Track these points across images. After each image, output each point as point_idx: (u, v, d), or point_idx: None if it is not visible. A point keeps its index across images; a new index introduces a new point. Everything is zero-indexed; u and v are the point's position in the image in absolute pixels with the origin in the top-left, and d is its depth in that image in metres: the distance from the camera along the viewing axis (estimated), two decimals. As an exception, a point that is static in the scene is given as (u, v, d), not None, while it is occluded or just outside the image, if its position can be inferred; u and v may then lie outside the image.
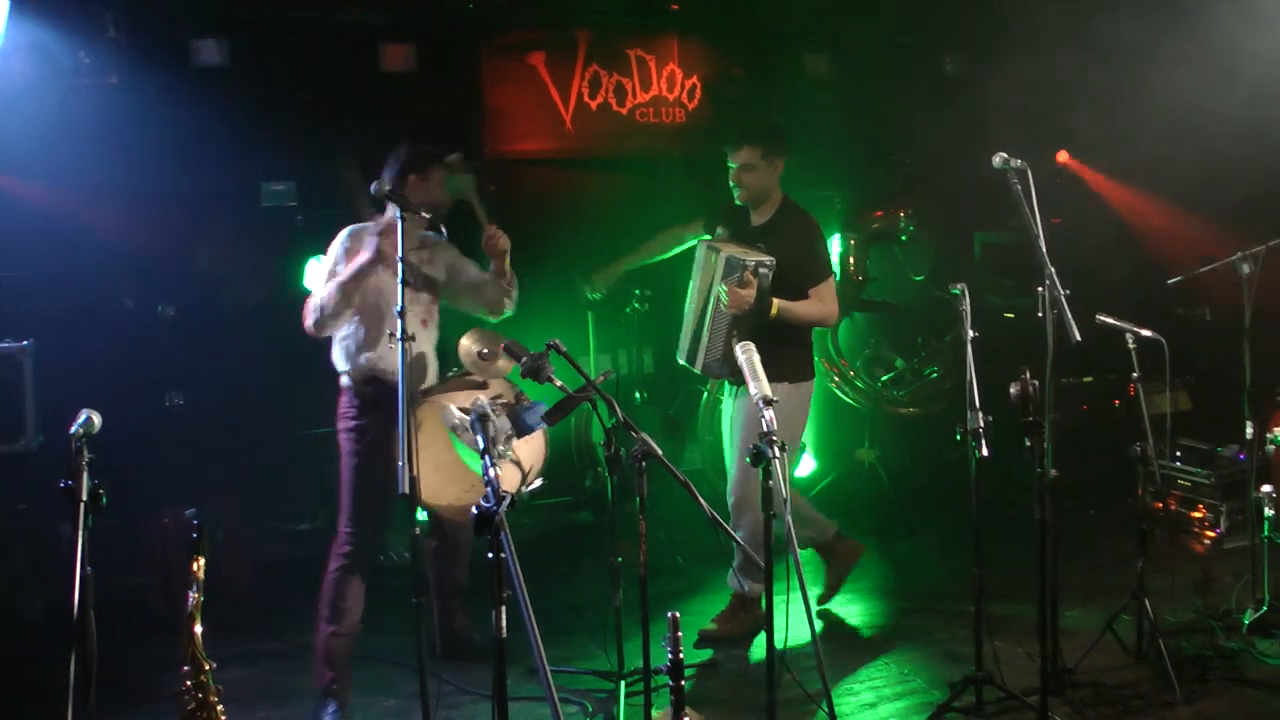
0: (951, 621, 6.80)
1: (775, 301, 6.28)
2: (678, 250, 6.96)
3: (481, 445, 4.16)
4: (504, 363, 5.91)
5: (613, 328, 8.88)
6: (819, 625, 6.65)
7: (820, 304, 6.49)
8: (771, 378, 6.50)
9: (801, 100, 9.21)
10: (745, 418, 6.53)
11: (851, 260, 8.98)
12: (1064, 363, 7.95)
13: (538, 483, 6.05)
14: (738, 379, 6.43)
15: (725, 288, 6.19)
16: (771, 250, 6.30)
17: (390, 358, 5.72)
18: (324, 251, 7.86)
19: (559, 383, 5.32)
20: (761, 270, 6.18)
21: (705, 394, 8.59)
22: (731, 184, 6.54)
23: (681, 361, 6.68)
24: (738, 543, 6.07)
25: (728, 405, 6.71)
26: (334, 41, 8.26)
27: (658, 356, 9.24)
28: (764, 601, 4.74)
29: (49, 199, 7.47)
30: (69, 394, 7.11)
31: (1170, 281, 7.12)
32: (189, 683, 4.17)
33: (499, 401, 5.75)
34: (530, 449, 5.96)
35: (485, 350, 5.90)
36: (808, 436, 9.19)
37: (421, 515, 5.65)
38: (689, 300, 6.59)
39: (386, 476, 5.50)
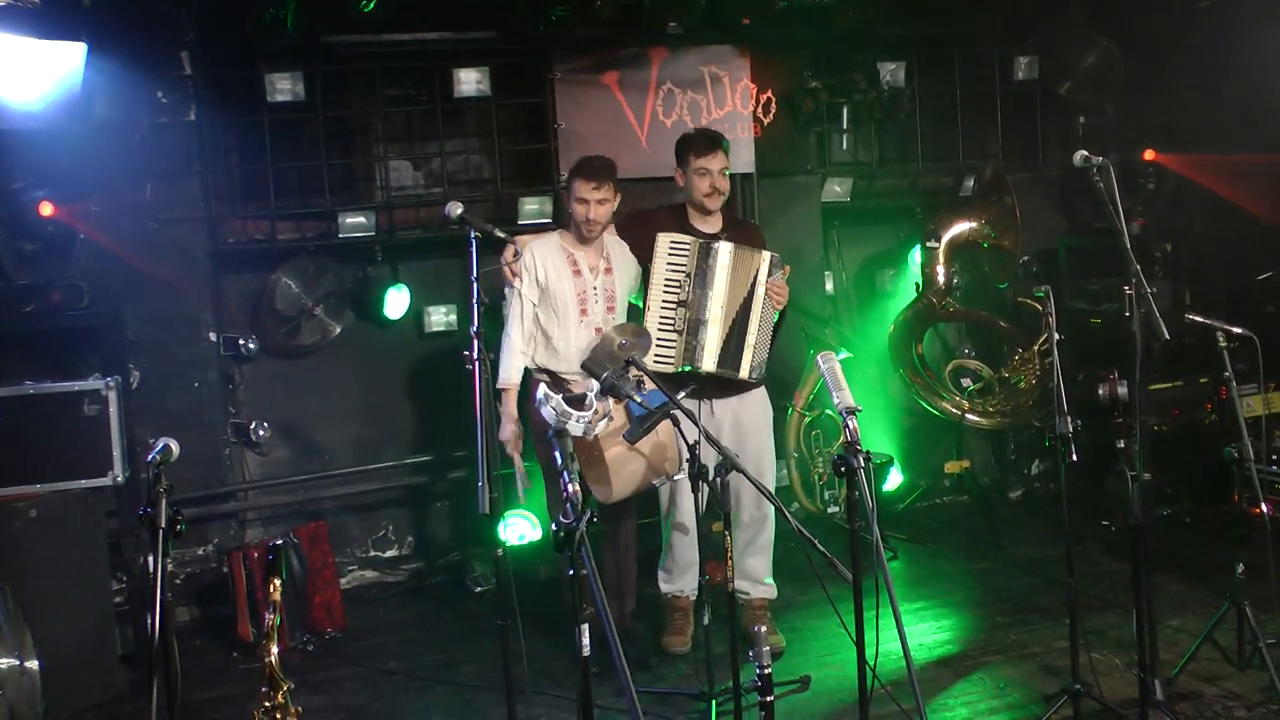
0: (1047, 634, 6.66)
1: None
2: None
3: (560, 461, 4.14)
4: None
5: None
6: (911, 640, 6.54)
7: None
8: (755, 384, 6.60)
9: (877, 109, 9.12)
10: (763, 423, 6.69)
11: (934, 270, 8.86)
12: (1154, 367, 7.85)
13: (679, 475, 6.05)
14: (748, 385, 6.55)
15: (766, 285, 6.41)
16: None
17: (550, 356, 6.42)
18: (403, 281, 7.98)
19: (639, 399, 5.31)
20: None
21: (790, 410, 8.50)
22: (710, 189, 6.49)
23: (710, 369, 6.33)
24: (828, 557, 5.88)
25: (723, 412, 6.58)
26: (407, 69, 8.29)
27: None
28: (853, 615, 4.68)
29: (133, 235, 7.56)
30: (158, 428, 7.31)
31: (1260, 277, 6.97)
32: (267, 703, 4.19)
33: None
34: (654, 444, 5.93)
35: (625, 343, 5.89)
36: (894, 450, 9.09)
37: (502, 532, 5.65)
38: (709, 304, 6.32)
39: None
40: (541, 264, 6.36)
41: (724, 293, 6.37)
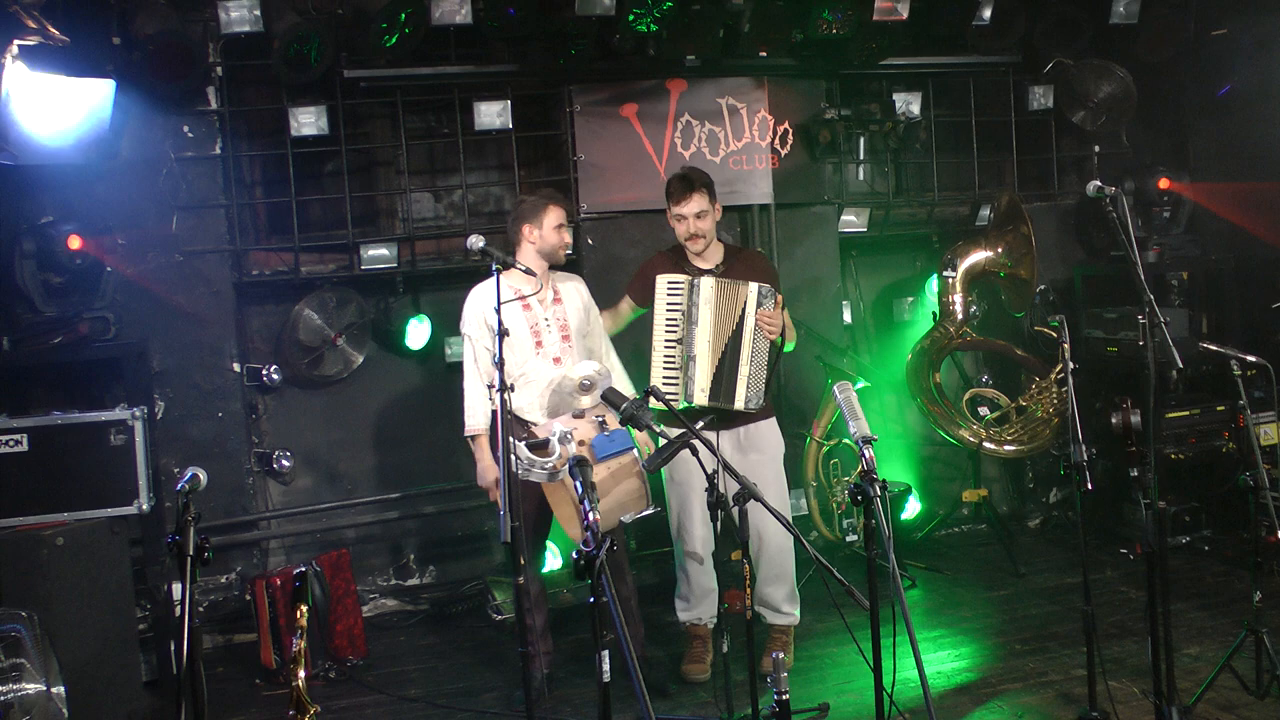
0: (1065, 662, 6.67)
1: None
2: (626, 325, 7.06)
3: (580, 491, 4.19)
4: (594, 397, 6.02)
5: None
6: (929, 668, 6.56)
7: (792, 328, 6.73)
8: (763, 414, 6.64)
9: (894, 139, 9.19)
10: (769, 453, 6.69)
11: (950, 299, 8.90)
12: (1171, 396, 7.88)
13: (647, 511, 6.08)
14: (747, 417, 6.59)
15: (756, 316, 6.41)
16: None
17: (517, 399, 6.15)
18: (424, 312, 8.06)
19: (659, 429, 5.35)
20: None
21: (808, 439, 8.54)
22: (688, 234, 6.57)
23: (701, 403, 6.41)
24: (845, 585, 5.93)
25: (727, 443, 6.57)
26: (429, 102, 8.39)
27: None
28: (871, 643, 4.70)
29: (159, 267, 7.68)
30: (182, 457, 7.41)
31: (1276, 305, 6.99)
32: (294, 727, 4.23)
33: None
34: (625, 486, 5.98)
35: (587, 381, 5.98)
36: (912, 478, 9.12)
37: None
38: (696, 339, 6.41)
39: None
40: (488, 305, 6.25)
41: (710, 327, 6.42)
